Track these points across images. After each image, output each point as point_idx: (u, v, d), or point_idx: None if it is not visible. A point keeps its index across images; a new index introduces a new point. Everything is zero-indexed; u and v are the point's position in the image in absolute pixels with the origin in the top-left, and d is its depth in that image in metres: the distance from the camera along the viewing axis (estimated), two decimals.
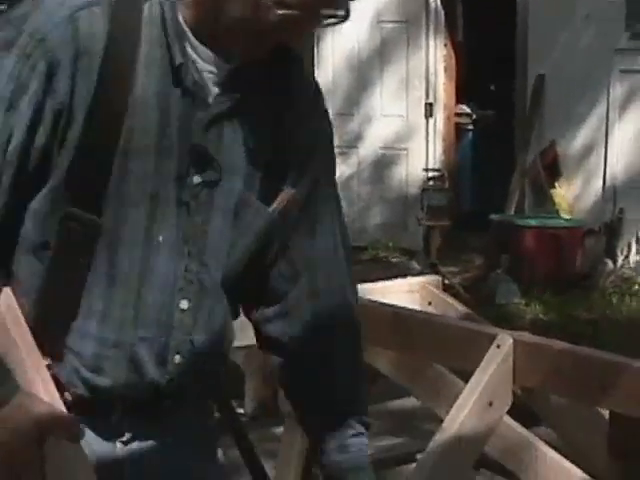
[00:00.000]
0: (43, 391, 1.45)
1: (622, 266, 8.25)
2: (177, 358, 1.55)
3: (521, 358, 2.37)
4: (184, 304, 1.54)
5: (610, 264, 8.20)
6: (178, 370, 1.55)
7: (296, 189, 1.63)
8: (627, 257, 8.28)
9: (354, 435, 1.67)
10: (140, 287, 1.51)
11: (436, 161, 9.20)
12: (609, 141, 8.29)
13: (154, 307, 1.52)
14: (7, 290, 1.51)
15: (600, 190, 8.40)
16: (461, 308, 3.29)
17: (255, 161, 1.58)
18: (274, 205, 1.60)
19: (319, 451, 1.71)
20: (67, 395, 1.52)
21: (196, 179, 1.54)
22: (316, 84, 1.72)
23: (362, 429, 1.68)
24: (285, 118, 1.61)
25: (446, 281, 7.10)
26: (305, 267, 1.67)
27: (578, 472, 2.78)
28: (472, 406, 2.33)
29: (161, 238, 1.51)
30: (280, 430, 2.74)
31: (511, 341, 2.38)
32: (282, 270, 1.66)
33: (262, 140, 1.59)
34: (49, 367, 1.50)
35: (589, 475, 2.76)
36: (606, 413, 2.37)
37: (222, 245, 1.56)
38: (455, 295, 4.97)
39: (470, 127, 10.34)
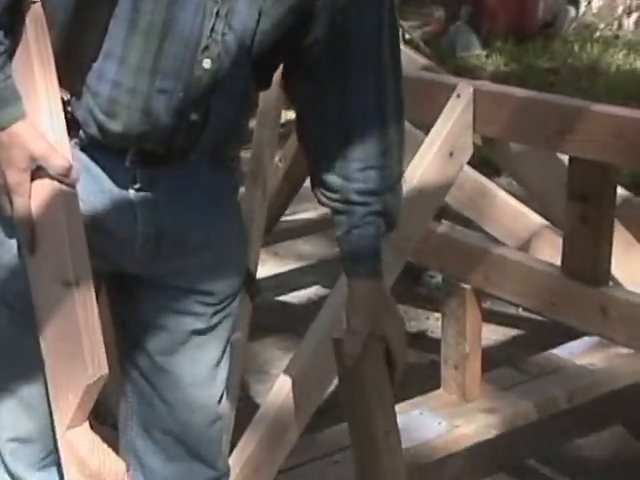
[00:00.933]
0: (48, 119, 1.48)
1: (584, 13, 8.15)
2: (193, 115, 1.55)
3: (482, 107, 2.35)
4: (207, 63, 1.52)
5: (572, 11, 8.09)
6: (193, 127, 1.56)
7: None
8: (590, 3, 8.17)
9: (358, 226, 1.66)
10: (163, 37, 1.50)
11: None
12: None
13: (175, 60, 1.51)
14: (37, 6, 1.50)
15: None
16: (422, 60, 3.25)
17: None
18: None
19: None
20: (81, 133, 1.56)
21: None
22: None
23: (371, 218, 1.66)
24: None
25: (407, 36, 7.00)
26: (341, 57, 1.61)
27: (537, 218, 2.83)
28: (433, 157, 2.33)
29: None
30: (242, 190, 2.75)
31: (472, 90, 2.35)
32: (322, 51, 1.61)
33: None
34: (67, 103, 1.53)
35: (548, 220, 2.81)
36: (565, 159, 2.38)
37: (252, 11, 1.52)
38: (416, 49, 4.90)
39: None
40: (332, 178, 1.66)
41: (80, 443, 1.53)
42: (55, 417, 1.55)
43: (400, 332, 1.70)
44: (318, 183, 1.69)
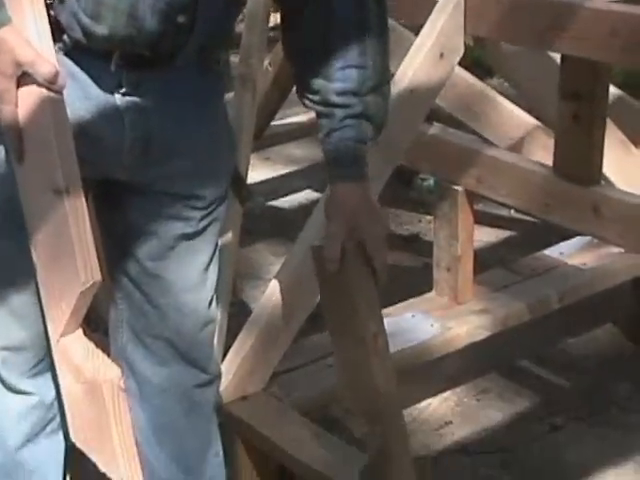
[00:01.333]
0: (33, 25, 1.47)
1: None
2: (180, 18, 1.52)
3: (472, 6, 2.30)
4: None
5: None
6: (180, 30, 1.54)
7: None
8: None
9: (338, 129, 1.63)
10: None
11: None
12: None
13: None
14: None
15: None
16: None
17: None
18: None
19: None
20: (65, 37, 1.54)
21: None
22: None
23: (351, 121, 1.62)
24: None
25: None
26: None
27: (530, 119, 2.81)
28: (423, 58, 2.29)
29: None
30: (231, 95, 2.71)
31: None
32: None
33: None
34: (50, 6, 1.51)
35: (540, 121, 2.79)
36: (557, 58, 2.35)
37: None
38: None
39: None
40: (313, 79, 1.64)
41: (74, 350, 1.54)
42: (48, 325, 1.55)
43: (379, 237, 1.66)
44: (301, 86, 1.67)
